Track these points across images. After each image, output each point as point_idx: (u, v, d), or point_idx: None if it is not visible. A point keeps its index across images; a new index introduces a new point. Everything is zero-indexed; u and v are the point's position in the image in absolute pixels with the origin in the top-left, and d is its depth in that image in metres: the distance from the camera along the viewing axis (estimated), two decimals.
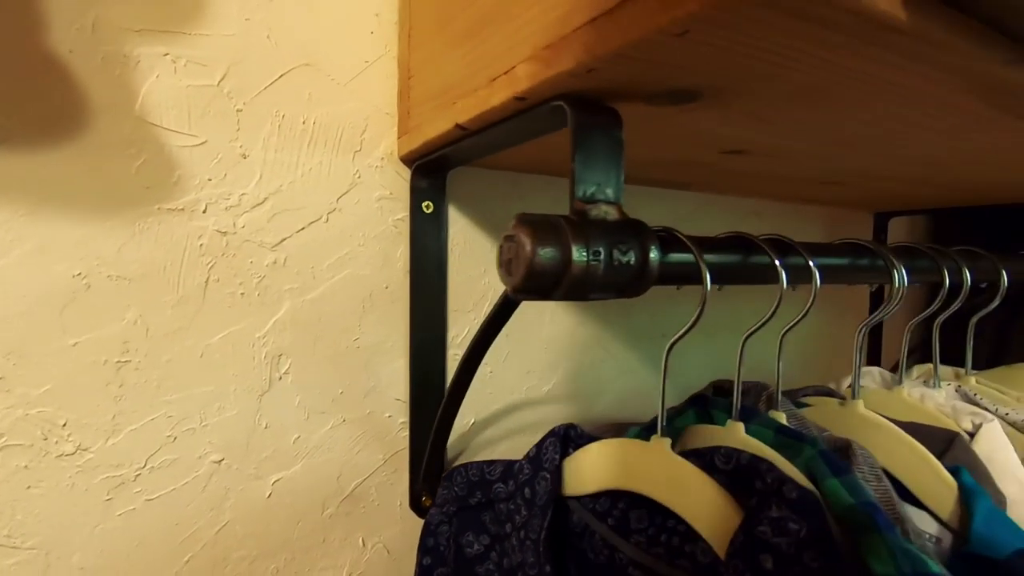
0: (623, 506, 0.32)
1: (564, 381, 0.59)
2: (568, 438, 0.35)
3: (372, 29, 0.46)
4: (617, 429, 0.43)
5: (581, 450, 0.34)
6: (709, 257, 0.30)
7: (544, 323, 0.57)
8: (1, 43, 0.34)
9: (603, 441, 0.33)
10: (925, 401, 0.41)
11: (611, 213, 0.28)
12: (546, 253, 0.24)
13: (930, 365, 0.52)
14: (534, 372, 0.57)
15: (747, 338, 0.39)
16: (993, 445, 0.36)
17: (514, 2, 0.29)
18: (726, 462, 0.28)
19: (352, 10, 0.45)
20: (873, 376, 0.50)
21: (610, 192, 0.28)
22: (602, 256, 0.25)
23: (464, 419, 0.53)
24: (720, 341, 0.72)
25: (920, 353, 0.92)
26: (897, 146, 0.40)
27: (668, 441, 0.30)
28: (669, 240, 0.29)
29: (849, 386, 0.47)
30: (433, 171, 0.48)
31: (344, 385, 0.47)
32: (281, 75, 0.42)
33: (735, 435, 0.33)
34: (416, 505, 0.49)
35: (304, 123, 0.44)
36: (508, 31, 0.30)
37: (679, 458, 0.29)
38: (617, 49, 0.22)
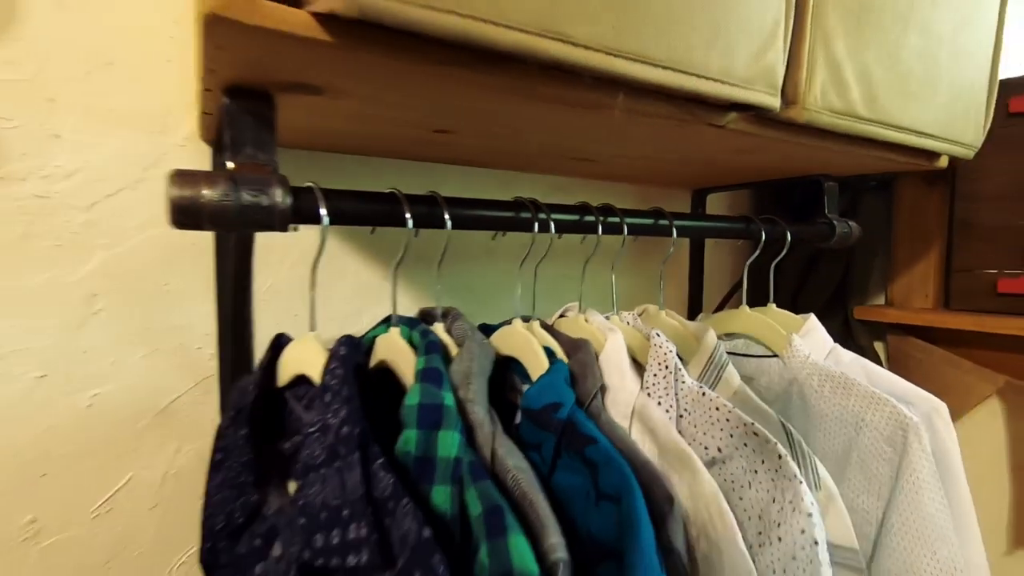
0: (310, 387, 0.44)
1: None
2: (280, 343, 0.47)
3: (172, 35, 0.57)
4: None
5: (284, 349, 0.46)
6: (342, 204, 0.42)
7: (348, 272, 0.69)
8: None
9: (295, 340, 0.45)
10: (592, 323, 0.54)
11: (259, 171, 0.39)
12: (183, 194, 0.36)
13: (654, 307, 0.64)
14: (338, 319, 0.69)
15: (395, 268, 0.51)
16: (609, 349, 0.49)
17: None
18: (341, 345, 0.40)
19: (152, 20, 0.56)
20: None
21: (261, 156, 0.40)
22: (231, 197, 0.37)
23: None
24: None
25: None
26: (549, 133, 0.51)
27: (317, 334, 0.43)
28: (303, 191, 0.40)
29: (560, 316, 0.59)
30: None
31: (154, 321, 0.58)
32: (87, 72, 0.54)
33: (392, 337, 0.45)
34: None
35: (111, 110, 0.55)
36: None
37: (317, 345, 0.42)
38: (204, 54, 0.34)
